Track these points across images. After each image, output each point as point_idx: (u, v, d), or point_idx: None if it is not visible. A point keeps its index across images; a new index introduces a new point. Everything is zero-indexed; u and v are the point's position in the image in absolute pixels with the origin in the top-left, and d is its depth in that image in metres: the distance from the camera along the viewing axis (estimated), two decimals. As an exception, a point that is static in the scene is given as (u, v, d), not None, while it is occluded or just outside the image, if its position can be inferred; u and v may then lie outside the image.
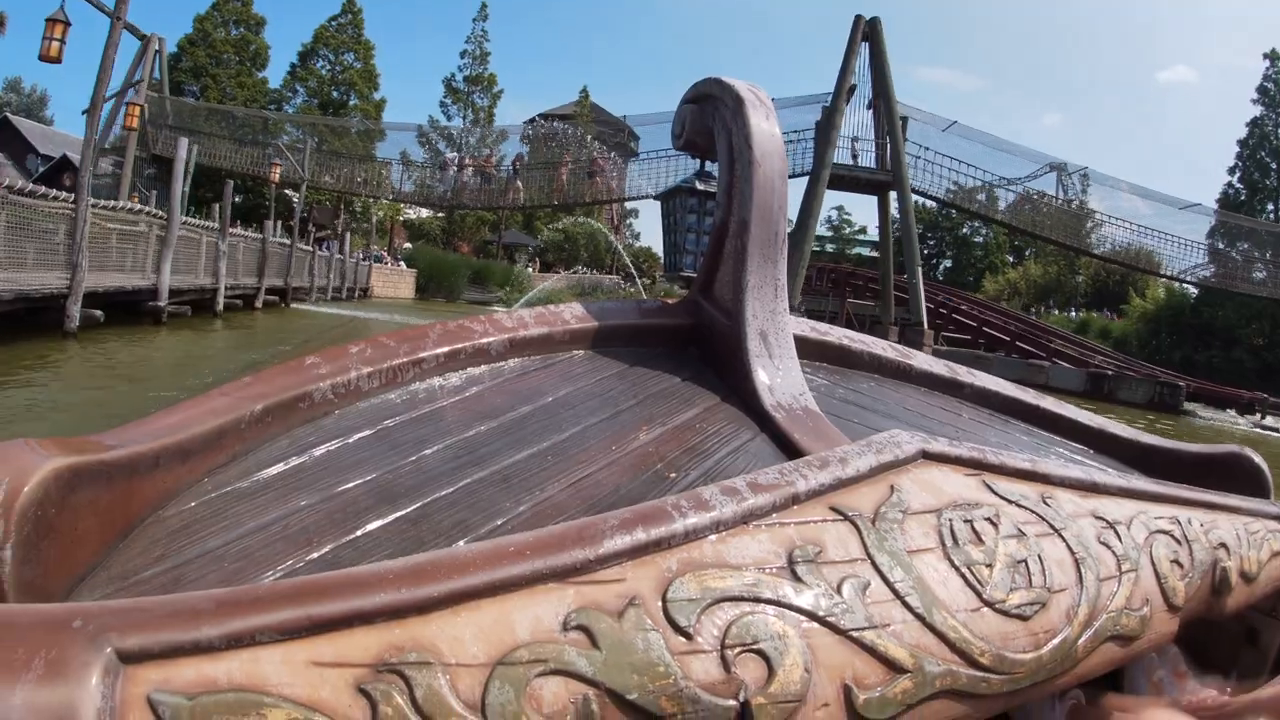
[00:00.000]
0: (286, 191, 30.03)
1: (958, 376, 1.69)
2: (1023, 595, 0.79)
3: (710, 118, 1.43)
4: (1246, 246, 32.39)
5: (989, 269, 57.75)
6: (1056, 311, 50.51)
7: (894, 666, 0.68)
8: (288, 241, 23.24)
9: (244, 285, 19.42)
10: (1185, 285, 35.63)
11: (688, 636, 0.61)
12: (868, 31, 26.90)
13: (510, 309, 1.46)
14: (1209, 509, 1.09)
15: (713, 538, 0.70)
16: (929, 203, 34.14)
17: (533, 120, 39.54)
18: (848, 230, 65.70)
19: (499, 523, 0.90)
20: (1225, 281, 31.91)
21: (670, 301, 1.56)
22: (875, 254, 47.08)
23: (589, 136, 33.57)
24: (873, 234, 57.45)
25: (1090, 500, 0.97)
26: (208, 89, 39.89)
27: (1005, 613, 0.77)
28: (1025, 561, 0.82)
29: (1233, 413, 22.67)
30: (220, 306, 16.98)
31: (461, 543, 0.85)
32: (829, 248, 59.48)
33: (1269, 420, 21.99)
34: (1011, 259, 59.26)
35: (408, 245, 47.15)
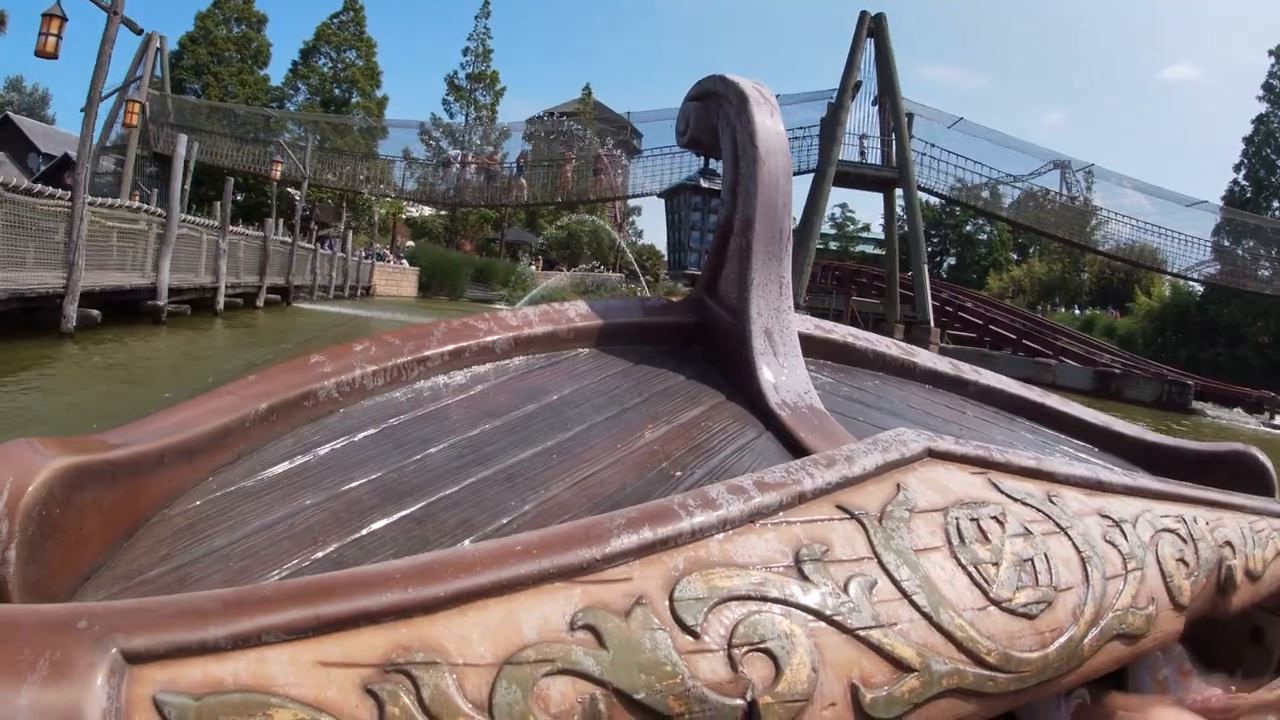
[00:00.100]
0: (289, 189, 30.07)
1: (962, 374, 1.69)
2: (1029, 594, 0.79)
3: (714, 115, 1.43)
4: (1252, 244, 32.27)
5: (993, 266, 57.60)
6: (1063, 309, 50.35)
7: (901, 665, 0.68)
8: (289, 240, 23.23)
9: (245, 284, 19.38)
10: (1191, 283, 35.52)
11: (695, 636, 0.61)
12: (873, 27, 26.87)
13: (514, 307, 1.46)
14: (1214, 507, 1.09)
15: (719, 536, 0.70)
16: (933, 200, 34.07)
17: (536, 118, 39.52)
18: (851, 228, 65.61)
19: (504, 522, 0.90)
20: (1231, 279, 31.82)
21: (674, 299, 1.55)
22: (879, 251, 47.01)
23: (590, 131, 33.57)
24: (876, 231, 57.49)
25: (1096, 498, 0.97)
26: (209, 87, 39.93)
27: (1012, 611, 0.77)
28: (1031, 560, 0.82)
29: (1240, 411, 22.60)
30: (221, 305, 16.94)
31: (467, 542, 0.85)
32: (832, 245, 59.40)
33: (1278, 419, 21.89)
34: (1016, 256, 59.13)
35: (410, 243, 47.19)
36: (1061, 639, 0.79)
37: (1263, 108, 39.45)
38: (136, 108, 24.57)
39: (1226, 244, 32.45)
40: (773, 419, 1.18)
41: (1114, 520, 0.94)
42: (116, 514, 0.82)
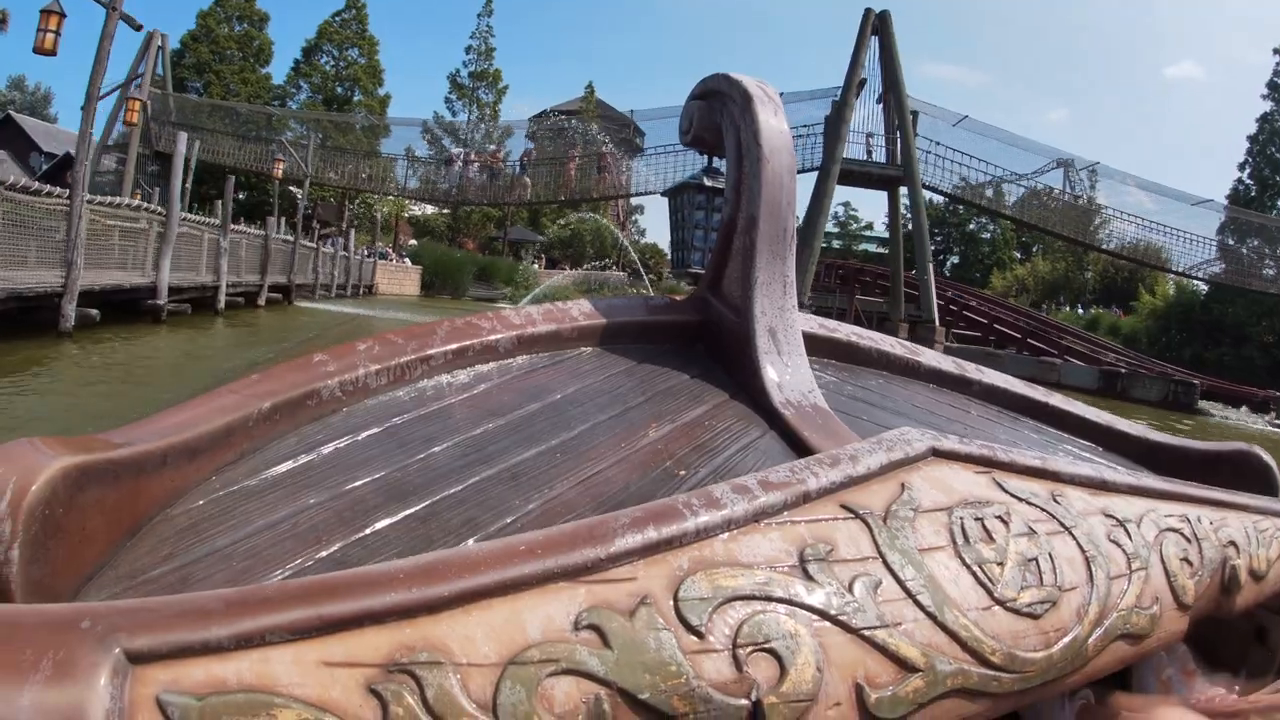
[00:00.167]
0: (291, 188, 30.11)
1: (966, 373, 1.69)
2: (1033, 594, 0.79)
3: (718, 114, 1.43)
4: (1257, 243, 32.15)
5: (996, 265, 57.44)
6: (1067, 308, 50.21)
7: (905, 665, 0.68)
8: (291, 238, 23.22)
9: (247, 283, 19.31)
10: (1195, 282, 35.40)
11: (699, 636, 0.61)
12: (877, 25, 26.82)
13: (517, 306, 1.46)
14: (1218, 507, 1.09)
15: (724, 536, 0.70)
16: (937, 198, 33.97)
17: (539, 115, 39.48)
18: (854, 226, 65.48)
19: (508, 521, 0.89)
20: (1236, 278, 31.70)
21: (678, 298, 1.55)
22: (882, 250, 46.89)
23: (594, 127, 33.56)
24: (879, 230, 57.40)
25: (1100, 498, 0.97)
26: (211, 85, 39.89)
27: (1016, 611, 0.77)
28: (1036, 560, 0.82)
29: (1246, 411, 22.50)
30: (222, 304, 16.88)
31: (471, 541, 0.85)
32: (835, 244, 59.23)
33: (1286, 419, 21.80)
34: (1019, 255, 58.97)
35: (413, 242, 47.18)
36: (1066, 639, 0.79)
37: (1267, 106, 39.31)
38: (137, 105, 24.56)
39: (1231, 243, 32.32)
40: (777, 418, 1.18)
41: (1118, 520, 0.94)
42: (119, 513, 0.82)
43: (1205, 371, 26.73)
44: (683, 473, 1.03)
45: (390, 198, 40.03)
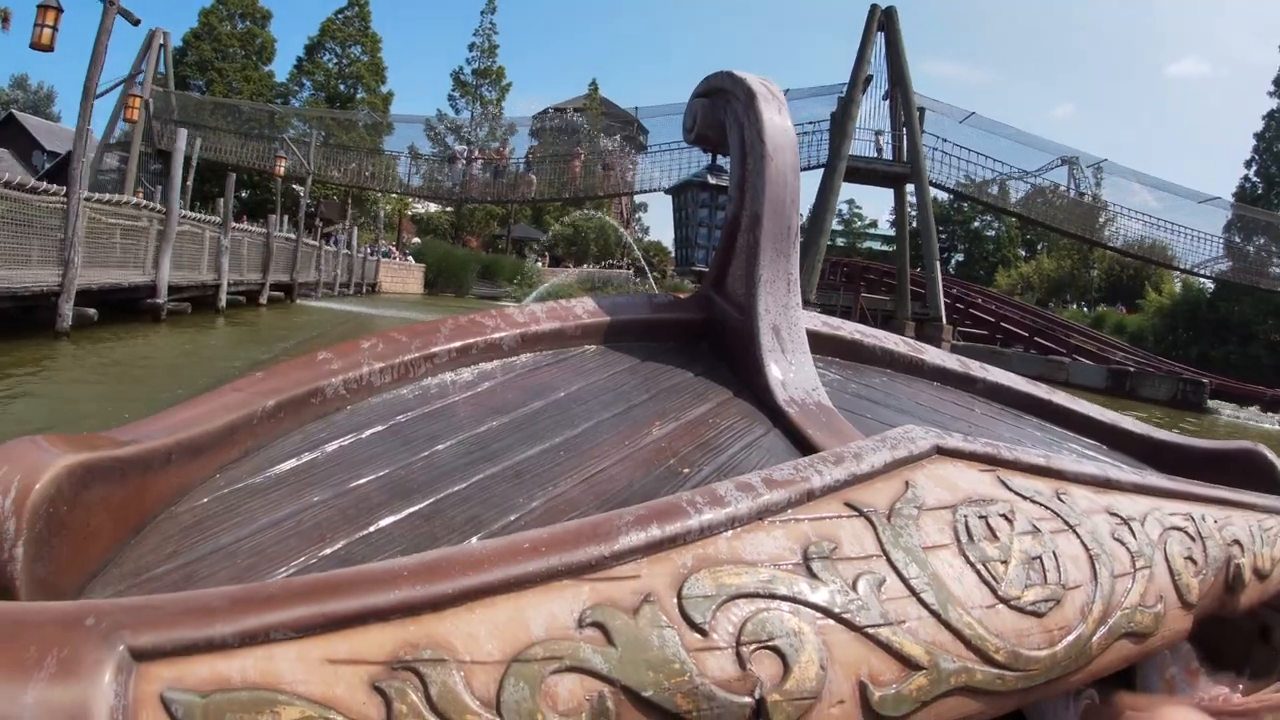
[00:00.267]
0: (294, 186, 30.11)
1: (970, 371, 1.68)
2: (1037, 592, 0.79)
3: (722, 111, 1.43)
4: (1263, 241, 31.98)
5: (1001, 263, 57.29)
6: (1074, 306, 50.00)
7: (909, 663, 0.68)
8: (293, 236, 23.17)
9: (248, 281, 19.19)
10: (1202, 280, 35.23)
11: (703, 633, 0.61)
12: (883, 21, 26.66)
13: (521, 304, 1.46)
14: (1223, 505, 1.08)
15: (728, 534, 0.70)
16: (941, 195, 33.81)
17: (543, 113, 39.44)
18: (858, 224, 65.33)
19: (512, 518, 0.90)
20: (1243, 276, 31.51)
21: (682, 296, 1.55)
22: (886, 248, 46.72)
23: (598, 126, 33.52)
24: (884, 228, 57.26)
25: (1104, 496, 0.96)
26: (213, 83, 39.87)
27: (1020, 609, 0.77)
28: (1040, 558, 0.82)
29: (1256, 410, 22.34)
30: (223, 303, 16.75)
31: (475, 538, 0.85)
32: (840, 241, 59.04)
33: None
34: (1024, 253, 58.83)
35: (416, 240, 47.20)
36: (1070, 637, 0.79)
37: (1274, 103, 39.13)
38: (137, 102, 24.51)
39: (1238, 241, 32.15)
40: (780, 416, 1.18)
41: (1122, 518, 0.93)
42: (124, 511, 0.82)
43: (1212, 370, 26.56)
44: (686, 470, 1.03)
45: (394, 196, 39.99)
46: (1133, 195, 30.81)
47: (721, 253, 1.44)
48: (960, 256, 60.72)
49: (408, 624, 0.55)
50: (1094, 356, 25.85)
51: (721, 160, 1.78)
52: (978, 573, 0.77)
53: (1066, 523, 0.88)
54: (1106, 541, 0.89)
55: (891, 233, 35.46)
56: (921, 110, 27.11)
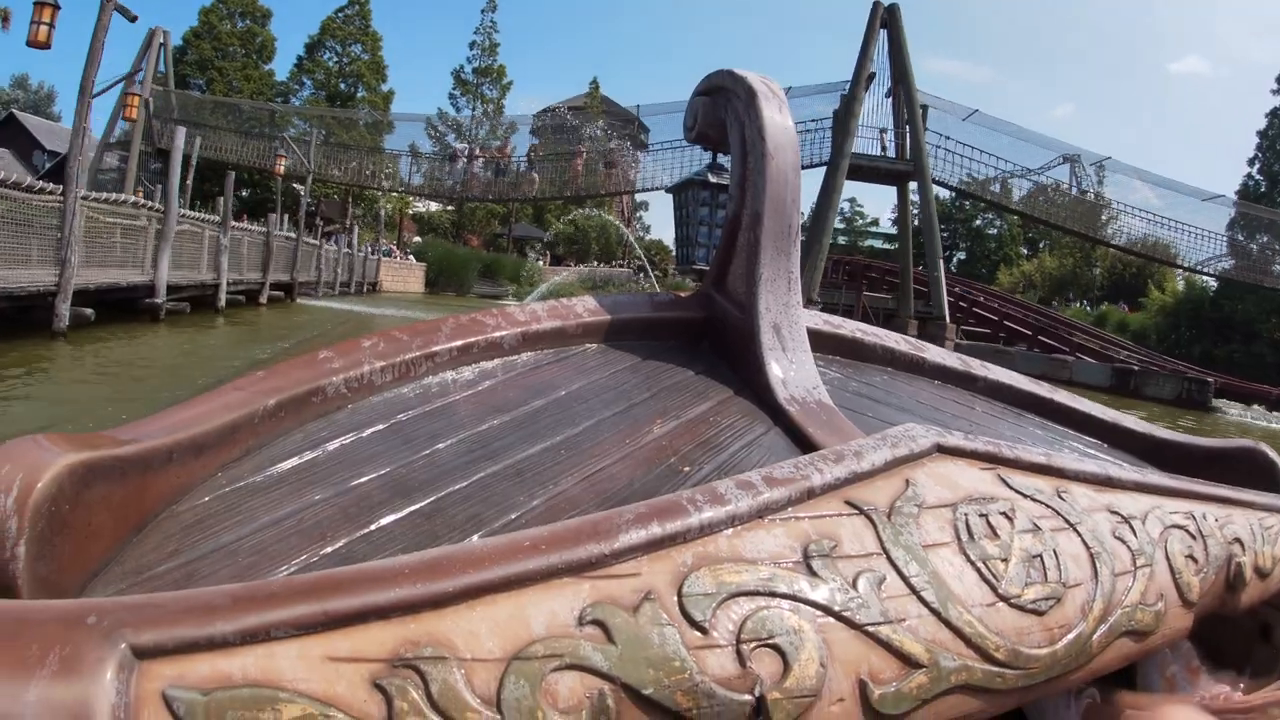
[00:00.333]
0: (294, 185, 30.08)
1: (971, 370, 1.68)
2: (1038, 590, 0.79)
3: (723, 110, 1.43)
4: (1266, 239, 31.86)
5: (1003, 261, 57.21)
6: (1077, 304, 49.84)
7: (909, 661, 0.68)
8: (294, 235, 23.11)
9: (248, 280, 19.11)
10: (1205, 278, 35.11)
11: (703, 631, 0.61)
12: (886, 18, 26.59)
13: (522, 303, 1.46)
14: (1224, 504, 1.08)
15: (728, 532, 0.70)
16: (943, 193, 33.66)
17: (544, 112, 39.35)
18: (860, 222, 65.23)
19: (513, 517, 0.90)
20: (1246, 274, 31.38)
21: (683, 295, 1.55)
22: (888, 246, 46.60)
23: (599, 122, 33.47)
24: (885, 226, 57.17)
25: (1105, 495, 0.96)
26: (214, 82, 39.85)
27: (1020, 608, 0.77)
28: (1040, 556, 0.82)
29: (1261, 409, 22.23)
30: (222, 302, 16.66)
31: (475, 537, 0.85)
32: (841, 239, 58.96)
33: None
34: (1026, 251, 58.73)
35: (417, 239, 47.19)
36: (1070, 635, 0.79)
37: (1277, 101, 39.04)
38: (136, 101, 24.43)
39: (1241, 239, 32.04)
40: (781, 414, 1.18)
41: (1123, 516, 0.93)
42: (125, 510, 0.82)
43: (1215, 368, 26.48)
44: (687, 469, 1.03)
45: (394, 194, 39.96)
46: (1134, 193, 30.75)
47: (722, 251, 1.44)
48: (962, 255, 60.65)
49: (408, 622, 0.55)
50: (1097, 355, 25.77)
51: (722, 159, 1.78)
52: (978, 571, 0.77)
53: (1067, 521, 0.88)
54: (1107, 540, 0.89)
55: (893, 231, 35.41)
56: (924, 107, 27.00)
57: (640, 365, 1.35)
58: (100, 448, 0.78)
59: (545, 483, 0.97)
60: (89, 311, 11.08)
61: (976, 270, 54.99)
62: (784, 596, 0.66)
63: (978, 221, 59.41)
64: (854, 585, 0.69)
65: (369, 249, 35.35)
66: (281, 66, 45.29)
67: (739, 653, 0.61)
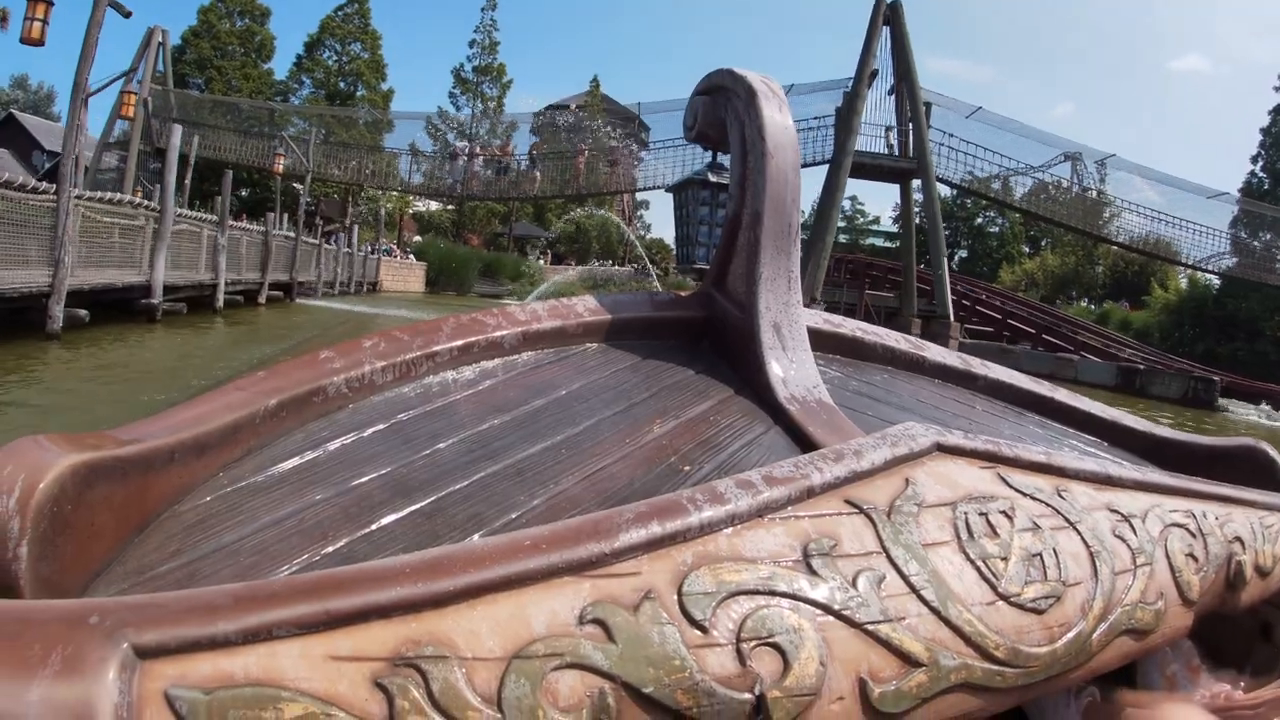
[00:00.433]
0: (294, 184, 30.04)
1: (971, 369, 1.68)
2: (1038, 589, 0.79)
3: (722, 109, 1.43)
4: (1270, 237, 31.75)
5: (1005, 259, 57.09)
6: (1080, 303, 49.68)
7: (909, 660, 0.68)
8: (293, 235, 22.97)
9: (247, 280, 18.97)
10: (1208, 276, 34.98)
11: (703, 630, 0.61)
12: (889, 15, 26.47)
13: (522, 302, 1.47)
14: (1224, 502, 1.08)
15: (728, 531, 0.70)
16: (946, 191, 33.49)
17: (544, 111, 39.31)
18: (861, 220, 65.14)
19: (513, 516, 0.90)
20: (1249, 272, 31.22)
21: (683, 294, 1.55)
22: (890, 244, 46.54)
23: (599, 121, 33.42)
24: (887, 224, 57.10)
25: (1105, 493, 0.96)
26: (213, 81, 39.78)
27: (1020, 606, 0.77)
28: (1040, 555, 0.82)
29: (1268, 407, 22.12)
30: (220, 303, 16.54)
31: (476, 536, 0.85)
32: (842, 238, 58.89)
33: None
34: (1028, 249, 58.62)
35: (417, 238, 47.14)
36: (1070, 634, 0.79)
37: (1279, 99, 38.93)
38: (132, 99, 24.33)
39: (1244, 236, 31.92)
40: (781, 413, 1.18)
41: (1123, 515, 0.93)
42: (127, 510, 0.82)
43: (1218, 367, 26.32)
44: (687, 468, 1.03)
45: (394, 194, 39.92)
46: (1136, 191, 30.64)
47: (722, 251, 1.44)
48: (964, 253, 60.53)
49: (410, 621, 0.55)
50: (1101, 354, 25.67)
51: (722, 158, 1.78)
52: (978, 569, 0.77)
53: (1067, 520, 0.88)
54: (1107, 538, 0.89)
55: (895, 229, 35.28)
56: (928, 105, 26.87)
57: (640, 364, 1.35)
58: (102, 448, 0.79)
59: (546, 482, 0.97)
60: (84, 313, 10.99)
61: (978, 268, 54.89)
62: (784, 595, 0.66)
63: (979, 219, 59.31)
64: (854, 584, 0.69)
65: (369, 248, 35.30)
66: (281, 65, 45.41)
67: (739, 651, 0.61)
